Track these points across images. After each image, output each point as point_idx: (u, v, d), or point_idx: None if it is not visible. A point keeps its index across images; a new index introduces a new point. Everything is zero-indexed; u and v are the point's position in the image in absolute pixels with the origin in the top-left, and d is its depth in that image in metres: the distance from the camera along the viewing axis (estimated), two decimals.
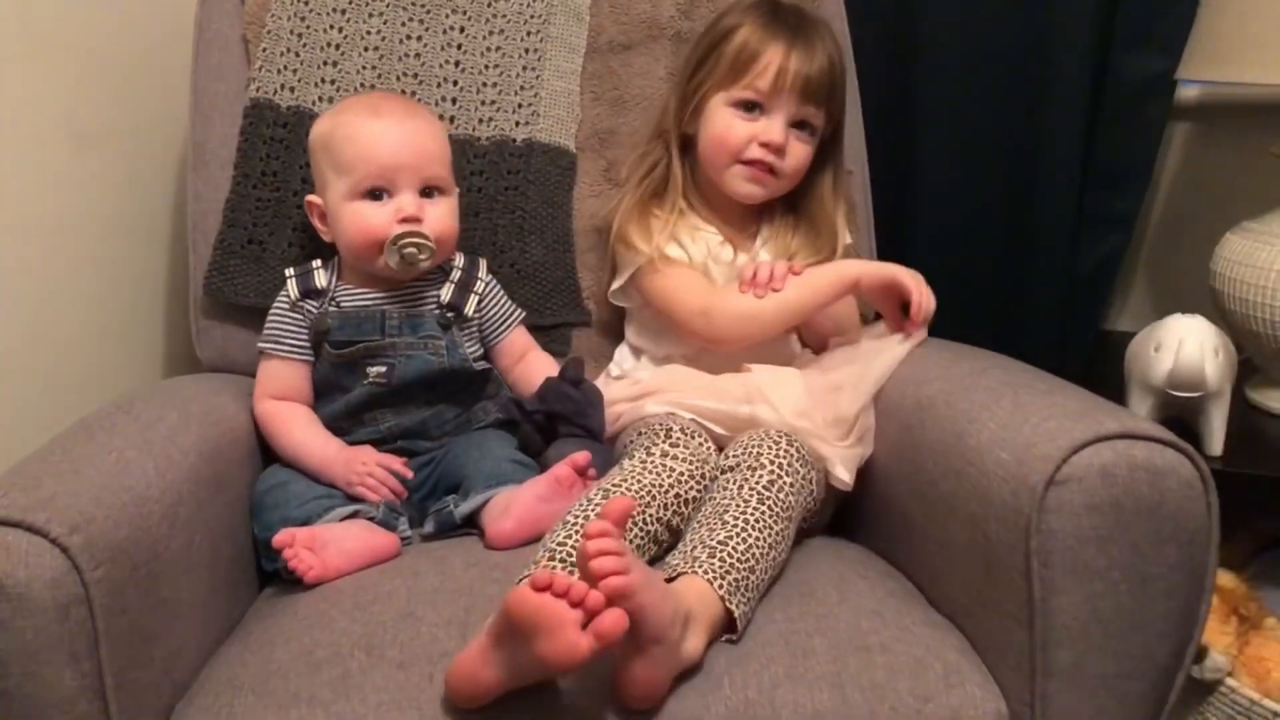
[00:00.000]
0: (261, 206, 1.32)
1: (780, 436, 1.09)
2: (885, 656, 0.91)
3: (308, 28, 1.37)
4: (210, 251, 1.31)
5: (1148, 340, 1.28)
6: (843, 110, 1.33)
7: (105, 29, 1.35)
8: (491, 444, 1.20)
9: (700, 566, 0.94)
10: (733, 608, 0.92)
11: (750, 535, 0.98)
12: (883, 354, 1.19)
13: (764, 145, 1.27)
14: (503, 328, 1.31)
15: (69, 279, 1.30)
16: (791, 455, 1.07)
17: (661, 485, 1.05)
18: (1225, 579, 1.34)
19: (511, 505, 1.07)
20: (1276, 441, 1.35)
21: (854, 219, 1.42)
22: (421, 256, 1.18)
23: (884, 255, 1.46)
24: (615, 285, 1.35)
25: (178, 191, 1.49)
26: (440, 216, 1.21)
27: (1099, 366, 1.57)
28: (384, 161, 1.18)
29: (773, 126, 1.27)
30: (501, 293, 1.32)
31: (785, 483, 1.04)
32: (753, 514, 1.00)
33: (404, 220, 1.18)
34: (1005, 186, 1.65)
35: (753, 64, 1.26)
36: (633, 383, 1.29)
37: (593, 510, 0.99)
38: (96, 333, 1.35)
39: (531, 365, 1.31)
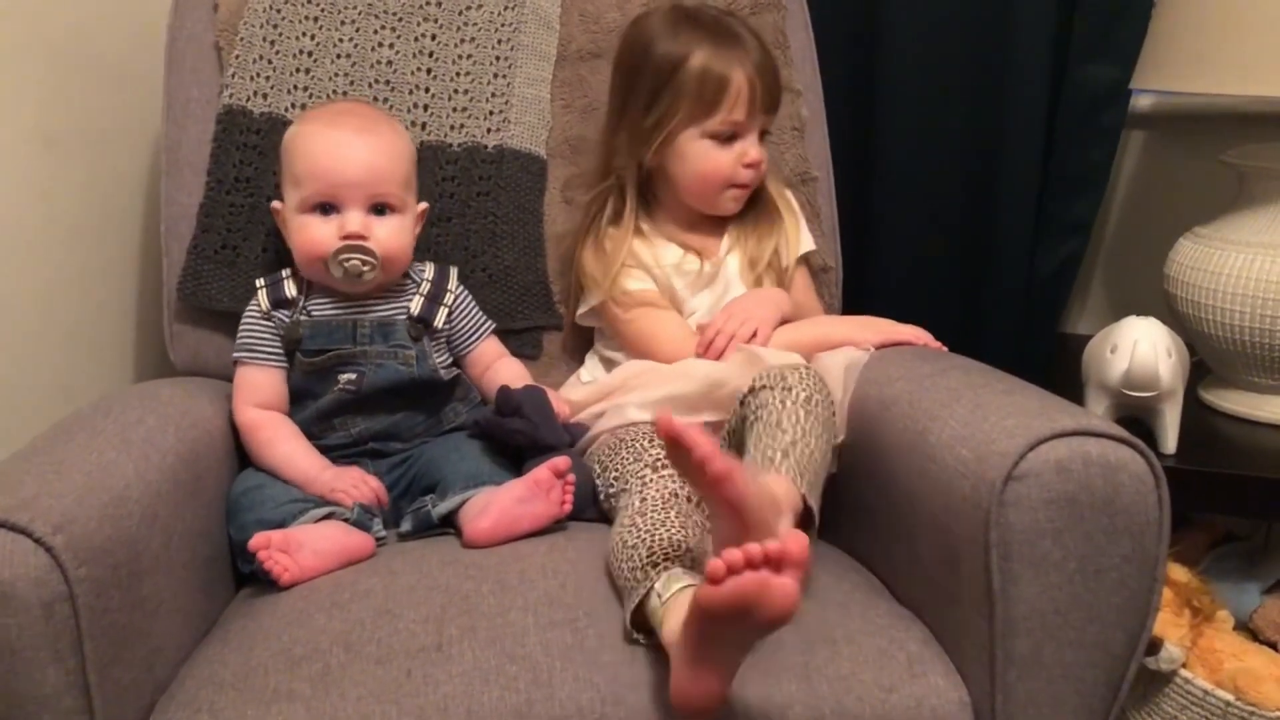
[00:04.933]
0: (235, 212, 1.33)
1: (800, 365, 1.11)
2: (851, 648, 0.94)
3: (280, 35, 1.38)
4: (184, 256, 1.32)
5: (1104, 342, 1.30)
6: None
7: (77, 32, 1.36)
8: (469, 445, 1.21)
9: (779, 467, 0.98)
10: (812, 504, 0.97)
11: (811, 442, 1.02)
12: (838, 353, 1.23)
13: (748, 166, 1.30)
14: (472, 339, 1.32)
15: (40, 282, 1.30)
16: (815, 378, 1.09)
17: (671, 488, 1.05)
18: (1179, 573, 1.38)
19: (490, 505, 1.09)
20: (1228, 440, 1.38)
21: (818, 224, 1.45)
22: (365, 270, 1.19)
23: (847, 260, 1.49)
24: (581, 311, 1.37)
25: (149, 195, 1.49)
26: (388, 234, 1.21)
27: (1058, 368, 1.59)
28: (330, 178, 1.19)
29: (751, 146, 1.30)
30: (472, 304, 1.33)
31: (818, 399, 1.06)
32: (806, 423, 1.03)
33: (346, 237, 1.18)
34: (966, 193, 1.67)
35: (723, 95, 1.26)
36: (602, 384, 1.30)
37: (643, 531, 0.98)
38: (68, 336, 1.36)
39: (499, 373, 1.31)
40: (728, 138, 1.29)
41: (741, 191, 1.33)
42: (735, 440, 1.13)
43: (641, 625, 0.92)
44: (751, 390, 1.09)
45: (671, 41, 1.28)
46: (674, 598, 0.89)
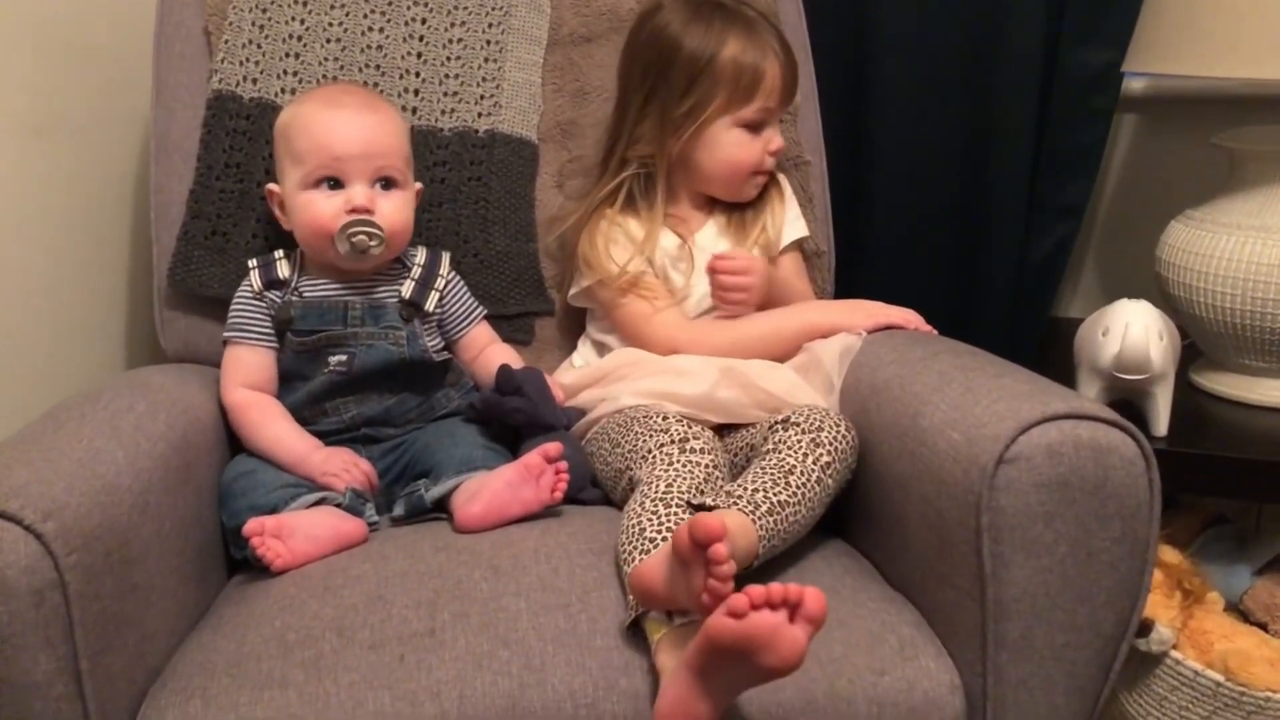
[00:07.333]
0: (225, 198, 1.33)
1: (841, 420, 1.09)
2: (843, 631, 0.94)
3: (269, 20, 1.37)
4: (174, 242, 1.31)
5: (1095, 325, 1.30)
6: None
7: (65, 19, 1.35)
8: (462, 431, 1.21)
9: (759, 520, 0.97)
10: (757, 560, 0.97)
11: (801, 510, 1.01)
12: (833, 339, 1.23)
13: (773, 154, 1.33)
14: (464, 324, 1.32)
15: (30, 269, 1.30)
16: (847, 443, 1.08)
17: (696, 479, 1.04)
18: (1170, 555, 1.38)
19: (481, 490, 1.09)
20: (1219, 423, 1.38)
21: (811, 208, 1.45)
22: (372, 244, 1.19)
23: (840, 245, 1.49)
24: (573, 291, 1.37)
25: (139, 182, 1.49)
26: (394, 208, 1.21)
27: (1050, 351, 1.60)
28: (335, 152, 1.19)
29: (776, 134, 1.33)
30: (464, 289, 1.33)
31: (837, 469, 1.06)
32: (810, 491, 1.03)
33: (353, 211, 1.18)
34: (959, 177, 1.67)
35: (759, 84, 1.28)
36: (594, 369, 1.30)
37: (650, 514, 0.98)
38: (58, 324, 1.35)
39: (491, 359, 1.31)
40: (756, 126, 1.30)
41: (763, 177, 1.35)
42: (744, 457, 1.15)
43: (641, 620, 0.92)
44: (784, 421, 1.09)
45: (704, 31, 1.28)
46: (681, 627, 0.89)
